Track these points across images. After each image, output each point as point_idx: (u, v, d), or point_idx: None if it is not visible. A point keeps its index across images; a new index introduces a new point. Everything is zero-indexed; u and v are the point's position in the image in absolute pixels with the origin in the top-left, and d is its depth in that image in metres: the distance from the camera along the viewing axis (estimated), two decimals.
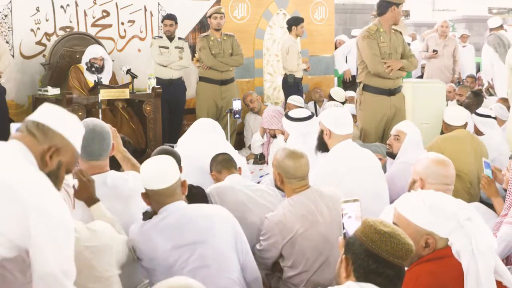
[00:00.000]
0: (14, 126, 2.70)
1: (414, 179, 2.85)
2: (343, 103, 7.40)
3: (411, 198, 2.22)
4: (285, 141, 5.23)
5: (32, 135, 1.84)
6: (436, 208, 2.14)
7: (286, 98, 7.36)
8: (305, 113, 4.60)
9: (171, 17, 6.76)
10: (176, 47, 6.75)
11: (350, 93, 7.91)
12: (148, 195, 2.62)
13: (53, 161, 1.88)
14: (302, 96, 6.99)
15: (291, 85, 7.30)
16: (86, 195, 2.65)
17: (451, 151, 4.24)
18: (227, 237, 2.64)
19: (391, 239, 1.78)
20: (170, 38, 6.73)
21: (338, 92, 7.73)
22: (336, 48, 9.41)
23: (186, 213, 2.61)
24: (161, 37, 6.75)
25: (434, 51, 8.87)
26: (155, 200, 2.61)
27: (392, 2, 5.32)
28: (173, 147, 5.26)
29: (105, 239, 2.31)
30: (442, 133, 4.85)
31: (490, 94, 8.16)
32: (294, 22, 7.34)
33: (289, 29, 7.36)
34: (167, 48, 6.70)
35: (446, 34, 9.09)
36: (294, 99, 6.58)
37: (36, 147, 1.83)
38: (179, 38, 6.83)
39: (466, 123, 4.76)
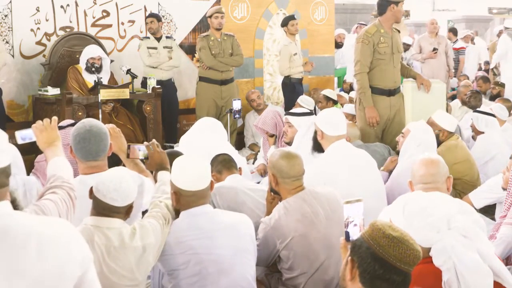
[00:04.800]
0: (18, 135, 2.71)
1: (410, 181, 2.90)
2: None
3: (397, 202, 2.22)
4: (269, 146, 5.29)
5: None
6: (412, 217, 2.13)
7: (285, 99, 7.34)
8: (304, 109, 4.70)
9: (152, 14, 6.77)
10: (164, 47, 6.73)
11: (352, 94, 7.89)
12: (180, 195, 2.62)
13: None
14: (298, 98, 6.85)
15: (288, 86, 7.25)
16: (157, 165, 2.97)
17: (461, 159, 4.30)
18: (244, 247, 2.67)
19: (399, 244, 1.74)
20: (158, 38, 6.70)
21: (304, 100, 6.63)
22: (337, 43, 9.39)
23: (207, 221, 2.62)
24: (148, 38, 6.71)
25: (434, 49, 8.91)
26: (184, 200, 2.62)
27: (390, 1, 5.31)
28: (173, 147, 5.26)
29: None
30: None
31: (494, 74, 9.37)
32: (284, 22, 7.24)
33: (284, 30, 7.29)
34: (155, 48, 6.68)
35: (436, 32, 9.16)
36: (302, 100, 6.42)
37: (6, 192, 1.67)
38: (167, 37, 6.81)
39: None
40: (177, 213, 2.68)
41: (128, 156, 3.06)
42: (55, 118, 2.64)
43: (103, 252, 2.33)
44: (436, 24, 9.20)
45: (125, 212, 2.46)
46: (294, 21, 7.19)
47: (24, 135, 2.66)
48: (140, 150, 3.06)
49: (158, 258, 2.56)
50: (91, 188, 2.46)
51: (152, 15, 6.76)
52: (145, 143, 3.09)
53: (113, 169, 2.55)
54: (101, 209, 2.42)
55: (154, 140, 3.09)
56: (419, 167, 2.86)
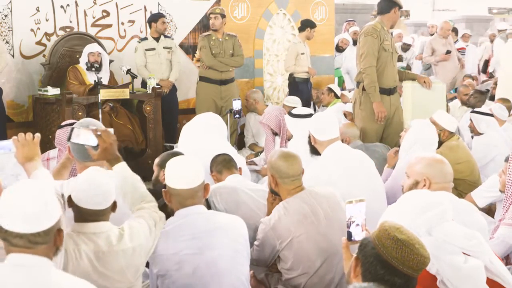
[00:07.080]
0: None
1: (416, 180, 2.79)
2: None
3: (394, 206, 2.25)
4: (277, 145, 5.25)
5: (41, 243, 1.77)
6: (404, 213, 2.16)
7: None
8: (306, 111, 4.66)
9: (163, 14, 6.76)
10: (164, 47, 6.67)
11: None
12: (169, 193, 2.63)
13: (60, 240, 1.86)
14: (301, 97, 6.89)
15: (292, 85, 7.35)
16: (110, 155, 2.66)
17: (462, 159, 4.30)
18: (237, 248, 2.65)
19: (403, 247, 1.73)
20: (156, 38, 6.63)
21: (290, 100, 6.67)
22: (339, 48, 9.38)
23: (200, 221, 2.61)
24: (146, 39, 6.64)
25: (448, 52, 8.94)
26: (175, 200, 2.62)
27: (396, 3, 5.33)
28: (172, 147, 5.25)
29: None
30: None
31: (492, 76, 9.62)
32: (310, 24, 7.46)
33: (302, 29, 7.45)
34: (153, 49, 6.60)
35: (448, 34, 9.21)
36: (288, 100, 6.54)
37: (50, 250, 1.80)
38: (165, 37, 6.76)
39: None
40: (172, 213, 2.67)
41: (69, 139, 2.79)
42: (38, 135, 2.62)
43: (92, 259, 2.27)
44: (449, 31, 9.27)
45: (110, 211, 2.42)
46: (315, 28, 7.50)
47: (3, 146, 2.59)
48: (88, 137, 2.70)
49: (150, 259, 2.54)
50: (69, 197, 2.39)
51: (163, 15, 6.75)
52: (92, 128, 2.73)
53: (84, 174, 2.44)
54: (87, 215, 2.36)
55: (102, 127, 2.80)
56: (442, 166, 2.75)
